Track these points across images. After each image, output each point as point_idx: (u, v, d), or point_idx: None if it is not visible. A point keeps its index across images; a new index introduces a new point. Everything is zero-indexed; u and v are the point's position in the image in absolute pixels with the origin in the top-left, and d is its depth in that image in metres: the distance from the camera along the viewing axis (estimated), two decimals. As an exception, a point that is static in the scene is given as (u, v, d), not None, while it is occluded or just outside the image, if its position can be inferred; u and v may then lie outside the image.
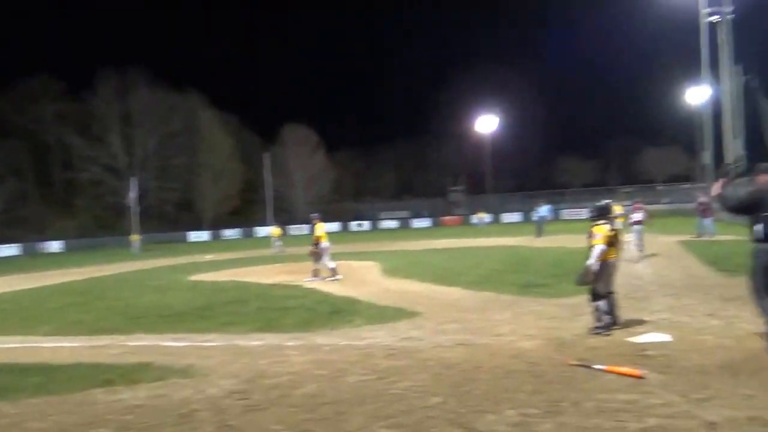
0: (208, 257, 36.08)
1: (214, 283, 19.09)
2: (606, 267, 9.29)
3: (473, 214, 75.99)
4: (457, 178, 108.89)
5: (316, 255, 18.56)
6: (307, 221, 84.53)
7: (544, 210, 37.14)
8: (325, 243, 18.49)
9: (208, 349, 9.80)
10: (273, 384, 7.63)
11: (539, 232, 35.31)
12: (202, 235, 77.53)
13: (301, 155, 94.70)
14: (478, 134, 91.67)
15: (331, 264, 18.41)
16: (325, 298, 14.54)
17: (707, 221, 27.11)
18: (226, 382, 7.81)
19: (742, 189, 8.05)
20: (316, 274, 18.48)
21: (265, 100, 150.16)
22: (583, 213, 60.55)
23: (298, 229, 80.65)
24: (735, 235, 24.22)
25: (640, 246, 20.93)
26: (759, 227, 7.49)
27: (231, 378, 8.00)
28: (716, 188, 8.22)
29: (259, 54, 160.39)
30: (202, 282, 20.01)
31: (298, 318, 12.06)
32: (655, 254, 20.90)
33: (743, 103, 46.25)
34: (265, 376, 8.02)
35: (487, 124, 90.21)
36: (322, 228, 18.57)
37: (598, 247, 9.13)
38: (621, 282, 11.87)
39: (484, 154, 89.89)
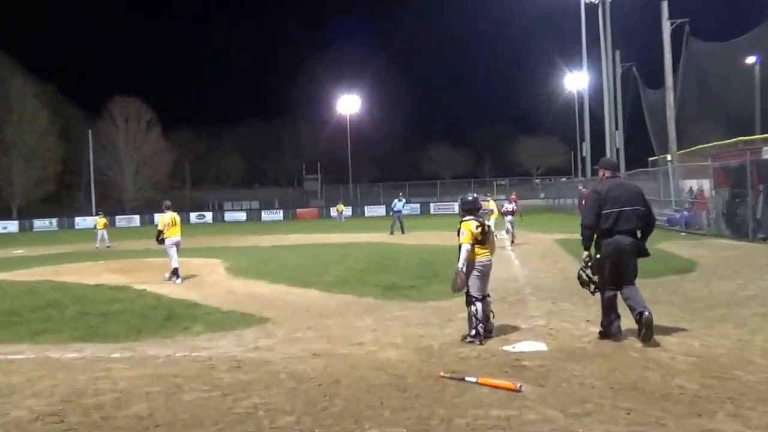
0: (18, 252, 34.33)
1: (23, 284, 18.09)
2: (476, 267, 9.41)
3: (332, 206, 76.26)
4: (314, 165, 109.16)
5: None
6: (137, 210, 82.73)
7: (399, 204, 37.92)
8: (175, 237, 17.96)
9: (13, 363, 9.27)
10: (94, 404, 7.30)
11: (395, 228, 36.19)
12: (9, 226, 73.78)
13: (131, 133, 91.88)
14: (338, 117, 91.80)
15: (175, 263, 17.88)
16: (158, 301, 14.11)
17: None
18: (37, 402, 7.40)
19: (590, 200, 9.24)
20: (176, 272, 17.84)
21: (90, 68, 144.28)
22: (454, 207, 62.13)
23: (128, 220, 78.27)
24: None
25: (511, 237, 25.65)
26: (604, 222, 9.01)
27: (42, 397, 7.61)
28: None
29: (83, 12, 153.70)
30: (7, 282, 18.92)
31: (125, 325, 11.65)
32: (530, 253, 21.66)
33: (623, 92, 48.74)
34: (84, 394, 7.68)
35: (347, 105, 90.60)
36: (169, 218, 17.98)
37: (464, 246, 9.28)
38: (494, 285, 12.16)
39: (344, 139, 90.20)
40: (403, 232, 35.71)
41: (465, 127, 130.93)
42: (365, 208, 79.78)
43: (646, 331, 8.77)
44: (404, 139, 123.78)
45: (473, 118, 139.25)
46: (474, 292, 9.48)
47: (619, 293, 9.12)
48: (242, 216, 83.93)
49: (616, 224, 8.91)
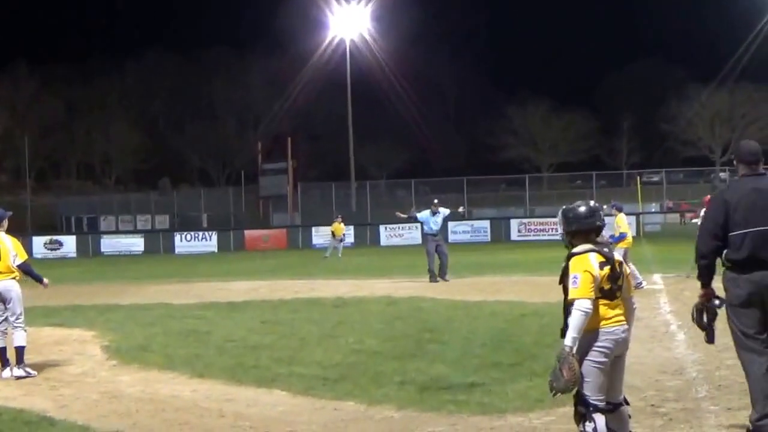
0: None
1: None
2: (599, 346, 5.35)
3: (316, 224, 51.79)
4: (280, 143, 67.92)
5: None
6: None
7: (432, 219, 22.50)
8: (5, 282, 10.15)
9: None
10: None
11: (435, 267, 22.02)
12: None
13: None
14: (330, 49, 65.65)
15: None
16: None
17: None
18: None
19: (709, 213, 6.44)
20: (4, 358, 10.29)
21: None
22: (551, 226, 55.23)
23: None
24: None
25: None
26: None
27: None
28: None
29: None
30: None
31: None
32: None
33: None
34: None
35: (347, 23, 63.33)
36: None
37: (579, 306, 5.22)
38: (637, 380, 6.36)
39: (339, 92, 66.76)
40: (445, 275, 21.73)
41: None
42: (381, 230, 51.22)
43: None
44: (469, 93, 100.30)
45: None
46: (593, 393, 5.25)
47: None
48: (137, 244, 53.19)
49: (756, 251, 5.95)
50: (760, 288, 5.97)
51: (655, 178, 64.30)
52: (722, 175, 70.32)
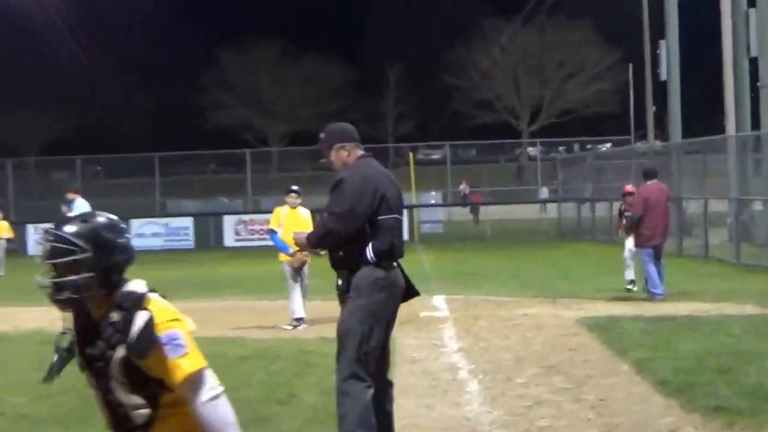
0: None
1: None
2: None
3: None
4: None
5: None
6: None
7: None
8: None
9: None
10: None
11: None
12: None
13: None
14: None
15: None
16: None
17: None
18: None
19: None
20: None
21: None
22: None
23: None
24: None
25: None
26: None
27: None
28: None
29: None
30: None
31: None
32: None
33: None
34: None
35: None
36: None
37: None
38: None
39: None
40: None
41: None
42: (28, 231, 46.81)
43: None
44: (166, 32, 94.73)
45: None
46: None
47: None
48: None
49: None
50: None
51: (436, 155, 65.12)
52: (531, 150, 70.46)
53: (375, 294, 8.09)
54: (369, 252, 8.13)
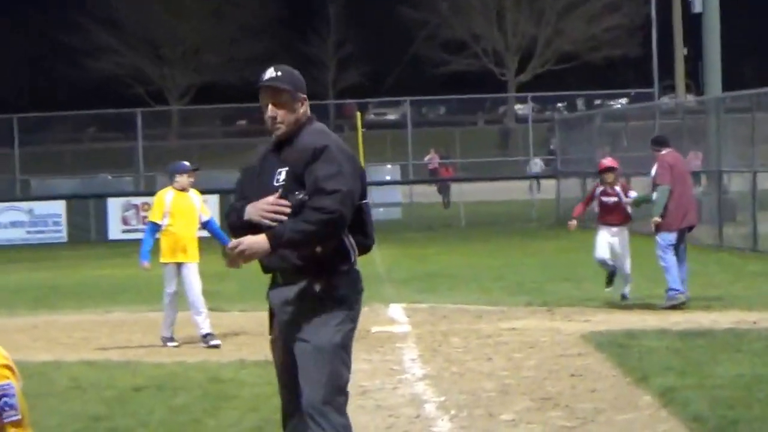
0: None
1: None
2: None
3: None
4: None
5: None
6: None
7: None
8: None
9: None
10: None
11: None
12: None
13: None
14: None
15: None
16: None
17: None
18: None
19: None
20: None
21: None
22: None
23: None
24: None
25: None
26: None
27: None
28: None
29: None
30: None
31: None
32: None
33: None
34: None
35: None
36: None
37: None
38: None
39: None
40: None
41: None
42: None
43: None
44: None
45: None
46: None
47: None
48: None
49: None
50: None
51: (392, 115, 67.17)
52: (520, 108, 70.64)
53: (356, 304, 7.92)
54: (352, 248, 7.80)
